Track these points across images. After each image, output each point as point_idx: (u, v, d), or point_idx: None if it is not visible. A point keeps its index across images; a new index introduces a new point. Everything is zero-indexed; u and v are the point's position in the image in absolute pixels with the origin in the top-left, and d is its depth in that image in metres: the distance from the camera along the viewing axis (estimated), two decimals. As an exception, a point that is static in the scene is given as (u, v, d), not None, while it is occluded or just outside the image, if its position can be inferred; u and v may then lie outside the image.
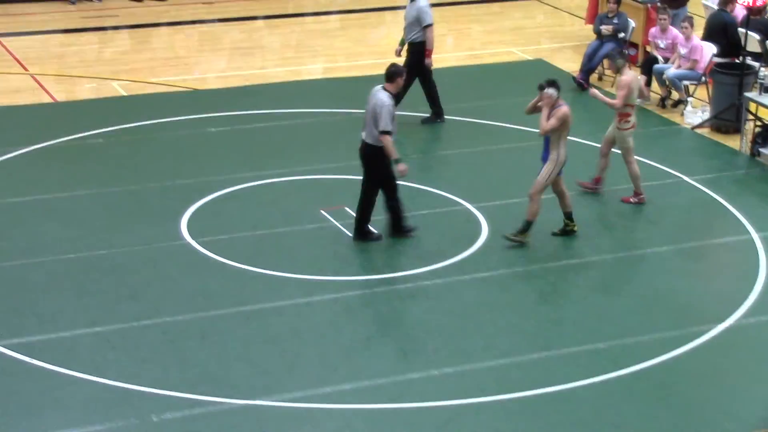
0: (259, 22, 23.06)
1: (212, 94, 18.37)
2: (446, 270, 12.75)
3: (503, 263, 12.95)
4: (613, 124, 14.52)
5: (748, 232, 13.88)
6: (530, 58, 20.79)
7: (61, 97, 18.08)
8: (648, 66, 18.39)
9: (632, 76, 14.38)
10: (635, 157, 14.53)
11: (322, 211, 13.89)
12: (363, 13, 23.73)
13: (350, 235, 13.36)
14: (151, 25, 22.49)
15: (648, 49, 19.10)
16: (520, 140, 16.50)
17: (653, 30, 18.67)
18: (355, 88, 18.64)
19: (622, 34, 19.22)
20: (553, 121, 12.90)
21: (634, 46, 19.99)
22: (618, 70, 14.45)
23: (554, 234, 13.47)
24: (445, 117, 17.19)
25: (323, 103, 17.68)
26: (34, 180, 14.79)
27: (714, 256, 13.74)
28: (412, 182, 14.78)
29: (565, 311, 12.05)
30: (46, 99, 17.97)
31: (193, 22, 22.74)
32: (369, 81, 19.08)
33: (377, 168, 13.02)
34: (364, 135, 13.01)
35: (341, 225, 13.60)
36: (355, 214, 13.30)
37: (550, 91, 12.95)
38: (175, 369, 10.76)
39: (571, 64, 20.16)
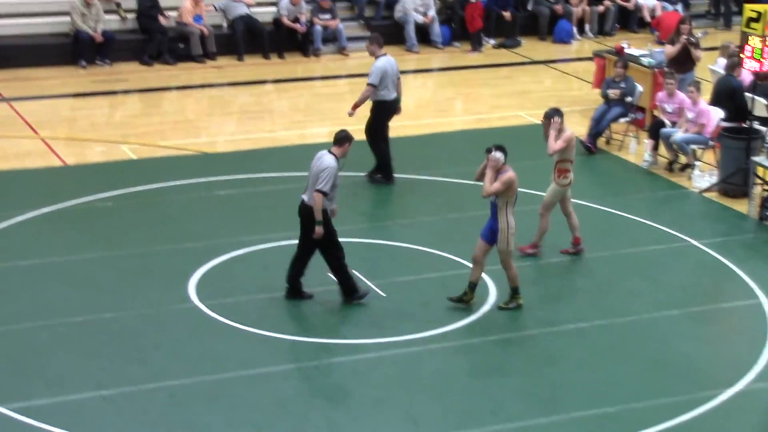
0: (269, 86, 23.21)
1: (221, 158, 18.46)
2: (454, 333, 12.74)
3: (511, 326, 12.94)
4: (552, 183, 14.60)
5: (756, 296, 13.85)
6: (537, 122, 20.87)
7: (70, 160, 18.17)
8: (655, 130, 18.46)
9: (572, 132, 14.49)
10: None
11: (329, 275, 13.90)
12: (371, 77, 23.88)
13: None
14: (161, 89, 22.64)
15: (655, 113, 19.18)
16: (526, 204, 16.49)
17: (660, 94, 18.77)
18: (363, 151, 18.72)
19: (629, 98, 19.31)
20: (497, 185, 12.95)
21: (641, 110, 20.07)
22: (559, 126, 14.47)
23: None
24: (452, 180, 17.26)
25: (332, 166, 17.73)
26: (44, 243, 14.83)
27: (722, 320, 13.71)
28: (420, 246, 14.81)
29: (574, 375, 12.01)
30: (56, 162, 18.06)
31: (203, 86, 22.89)
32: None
33: (313, 229, 13.07)
34: (305, 197, 13.08)
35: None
36: (288, 272, 13.34)
37: (497, 155, 13.04)
38: (182, 433, 10.74)
39: (578, 128, 20.18)
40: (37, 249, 14.63)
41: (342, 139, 13.22)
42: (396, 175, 17.31)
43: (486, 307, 13.31)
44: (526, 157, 18.65)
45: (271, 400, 11.36)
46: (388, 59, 17.07)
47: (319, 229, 12.92)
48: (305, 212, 13.09)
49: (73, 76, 23.17)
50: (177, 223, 15.63)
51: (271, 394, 11.46)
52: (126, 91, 22.48)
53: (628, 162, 18.72)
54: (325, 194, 12.85)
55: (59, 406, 11.10)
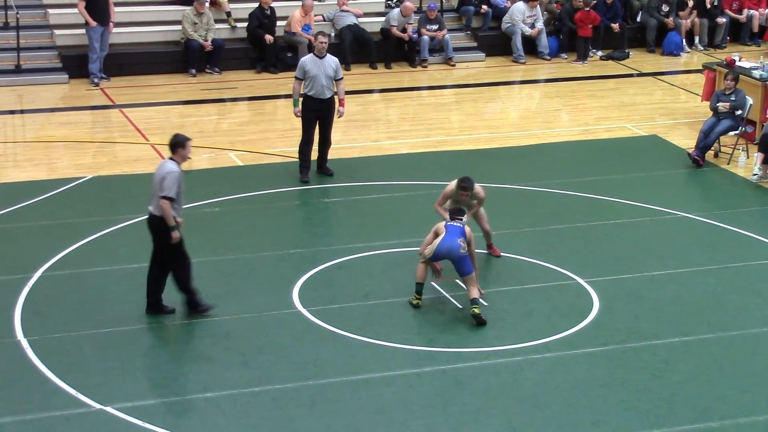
0: (375, 96, 23.34)
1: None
2: (556, 344, 12.68)
3: (614, 339, 12.83)
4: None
5: None
6: (645, 134, 20.70)
7: (179, 166, 18.43)
8: (765, 143, 18.16)
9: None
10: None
11: (433, 283, 13.92)
12: (477, 88, 23.88)
13: (461, 306, 13.37)
14: (269, 97, 22.89)
15: (766, 126, 18.88)
16: (632, 215, 16.40)
17: (771, 107, 18.50)
18: (469, 160, 18.74)
19: (739, 111, 19.05)
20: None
21: (752, 123, 19.79)
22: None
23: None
24: (556, 191, 17.18)
25: (436, 175, 17.76)
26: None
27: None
28: (523, 256, 14.75)
29: (678, 388, 11.87)
30: (165, 168, 18.31)
31: (310, 95, 23.04)
32: (483, 154, 19.25)
33: (164, 239, 12.85)
34: (151, 208, 12.83)
35: (452, 297, 13.61)
36: (148, 288, 13.15)
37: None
38: (283, 436, 10.84)
39: (686, 140, 20.02)
40: (146, 252, 14.79)
41: (174, 144, 12.81)
42: (500, 186, 17.27)
43: (589, 319, 13.23)
44: (634, 170, 18.56)
45: (372, 406, 11.40)
46: None
47: (175, 234, 12.72)
48: (153, 223, 12.84)
49: (183, 83, 23.53)
50: (282, 229, 15.78)
51: (372, 400, 11.51)
52: (234, 99, 22.78)
53: (736, 175, 18.47)
54: (171, 200, 12.60)
55: (165, 406, 11.27)
